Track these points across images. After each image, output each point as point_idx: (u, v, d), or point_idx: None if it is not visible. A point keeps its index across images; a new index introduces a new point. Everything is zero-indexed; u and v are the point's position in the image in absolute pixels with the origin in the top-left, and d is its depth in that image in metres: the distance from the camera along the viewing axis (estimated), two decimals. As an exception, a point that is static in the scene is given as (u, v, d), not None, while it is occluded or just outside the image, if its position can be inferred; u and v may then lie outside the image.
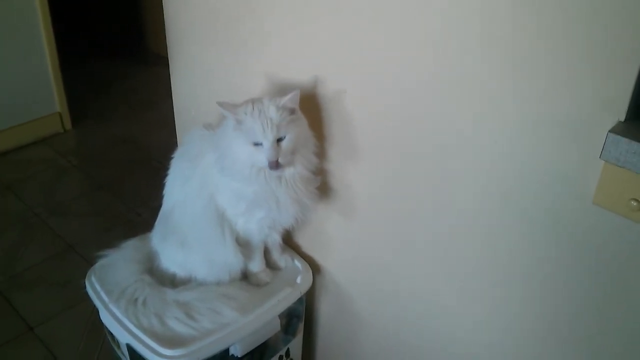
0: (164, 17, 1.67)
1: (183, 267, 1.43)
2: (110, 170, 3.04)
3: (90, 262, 1.51)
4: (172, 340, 1.29)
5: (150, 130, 3.39)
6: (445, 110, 1.10)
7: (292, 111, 1.22)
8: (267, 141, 1.17)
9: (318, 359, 1.75)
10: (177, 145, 1.45)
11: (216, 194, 1.33)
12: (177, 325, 1.31)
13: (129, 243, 1.54)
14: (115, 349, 1.52)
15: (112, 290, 1.42)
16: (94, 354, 2.01)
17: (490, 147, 1.05)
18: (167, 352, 1.27)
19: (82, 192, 2.91)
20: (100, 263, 1.51)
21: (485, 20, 0.97)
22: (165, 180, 1.44)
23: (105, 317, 1.41)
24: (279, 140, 1.19)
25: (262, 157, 1.19)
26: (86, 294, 1.47)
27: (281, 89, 1.38)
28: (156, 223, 1.49)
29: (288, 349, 1.58)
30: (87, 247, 2.44)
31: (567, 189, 0.98)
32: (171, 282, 1.45)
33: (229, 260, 1.38)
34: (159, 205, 1.47)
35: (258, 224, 1.36)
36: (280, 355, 1.56)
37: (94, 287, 1.46)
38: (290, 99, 1.20)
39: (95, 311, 1.55)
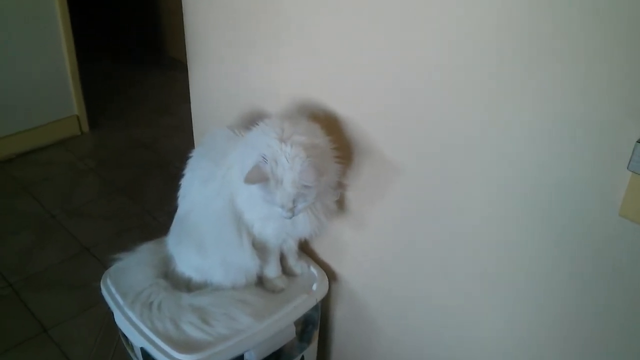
0: (184, 20, 1.68)
1: (199, 270, 1.42)
2: (127, 174, 3.05)
3: (105, 265, 1.51)
4: (186, 345, 1.28)
5: (167, 134, 3.40)
6: (465, 115, 1.08)
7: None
8: (284, 209, 1.20)
9: (332, 365, 1.74)
10: (193, 149, 1.45)
11: (235, 195, 1.32)
12: (192, 330, 1.30)
13: (144, 246, 1.54)
14: (129, 352, 1.52)
15: (127, 293, 1.42)
16: (107, 356, 2.01)
17: (513, 156, 1.03)
18: (182, 356, 1.26)
19: (99, 194, 2.92)
20: (115, 266, 1.51)
21: (503, 22, 0.96)
22: (182, 181, 1.43)
23: (120, 320, 1.41)
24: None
25: (277, 208, 1.21)
26: (101, 296, 1.47)
27: (299, 98, 1.37)
28: (172, 226, 1.49)
29: (303, 356, 1.56)
30: (103, 250, 2.44)
31: (592, 200, 0.96)
32: (186, 286, 1.44)
33: (246, 263, 1.37)
34: (176, 209, 1.47)
35: (274, 230, 1.35)
36: (294, 363, 1.55)
37: (109, 290, 1.46)
38: (303, 177, 1.16)
39: (110, 314, 1.55)
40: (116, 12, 4.35)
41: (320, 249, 1.57)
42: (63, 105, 3.24)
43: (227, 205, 1.32)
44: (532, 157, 1.01)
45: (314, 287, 1.48)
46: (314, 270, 1.52)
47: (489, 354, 1.26)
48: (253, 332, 1.33)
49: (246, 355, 1.36)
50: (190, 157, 1.43)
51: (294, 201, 1.18)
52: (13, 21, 2.91)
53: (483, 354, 1.27)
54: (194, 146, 1.85)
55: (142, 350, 1.37)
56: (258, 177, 1.17)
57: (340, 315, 1.62)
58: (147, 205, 2.79)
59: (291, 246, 1.46)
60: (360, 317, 1.55)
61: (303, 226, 1.32)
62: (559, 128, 0.95)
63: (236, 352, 1.32)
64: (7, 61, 2.96)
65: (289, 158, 1.16)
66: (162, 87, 3.99)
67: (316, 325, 1.56)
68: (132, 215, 2.73)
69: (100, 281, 1.48)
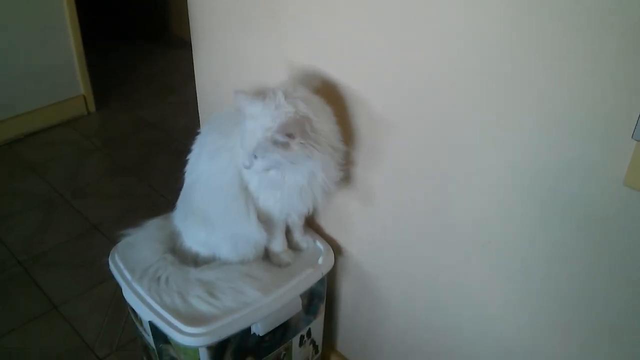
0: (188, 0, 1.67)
1: (206, 245, 1.43)
2: (134, 153, 3.06)
3: (113, 242, 1.52)
4: (194, 318, 1.30)
5: (173, 114, 3.40)
6: (470, 94, 1.08)
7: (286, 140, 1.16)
8: (243, 151, 1.20)
9: (339, 339, 1.75)
10: (199, 127, 1.45)
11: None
12: (200, 303, 1.32)
13: (151, 222, 1.55)
14: (138, 326, 1.54)
15: (134, 268, 1.43)
16: (117, 331, 2.03)
17: (521, 126, 1.03)
18: (189, 329, 1.28)
19: (106, 173, 2.93)
20: (123, 242, 1.52)
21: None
22: (189, 156, 1.43)
23: (128, 295, 1.42)
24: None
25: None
26: (109, 272, 1.49)
27: (305, 74, 1.37)
28: (178, 201, 1.50)
29: (309, 329, 1.58)
30: (111, 228, 2.46)
31: (597, 171, 0.96)
32: (194, 261, 1.45)
33: (253, 235, 1.38)
34: (182, 187, 1.47)
35: (275, 204, 1.35)
36: (301, 335, 1.56)
37: (117, 266, 1.47)
38: (278, 126, 1.15)
39: (118, 289, 1.57)
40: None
41: (326, 224, 1.58)
42: (69, 85, 3.25)
43: (235, 177, 1.32)
44: (539, 130, 1.01)
45: (320, 260, 1.49)
46: (319, 244, 1.53)
47: (496, 327, 1.27)
48: (259, 305, 1.34)
49: (253, 328, 1.37)
50: (199, 132, 1.43)
51: (255, 149, 1.17)
52: (19, 2, 2.90)
53: (491, 328, 1.28)
54: (199, 124, 1.86)
55: (151, 324, 1.39)
56: (244, 100, 1.19)
57: (346, 289, 1.63)
58: (154, 183, 2.80)
59: (295, 221, 1.46)
60: (367, 290, 1.56)
61: (299, 201, 1.32)
62: (563, 100, 0.95)
63: (243, 325, 1.33)
64: (13, 42, 2.96)
65: (276, 104, 1.16)
66: (167, 66, 3.98)
67: (322, 298, 1.57)
68: (139, 193, 2.75)
69: (108, 257, 1.50)
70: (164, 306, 1.33)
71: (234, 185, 1.33)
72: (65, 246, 2.41)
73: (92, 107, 3.37)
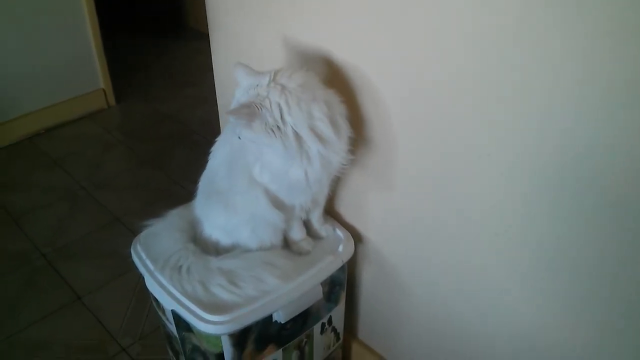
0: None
1: (226, 230, 1.43)
2: (154, 145, 3.08)
3: (135, 233, 1.53)
4: (215, 307, 1.30)
5: (192, 106, 3.42)
6: (491, 70, 1.07)
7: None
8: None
9: (360, 326, 1.76)
10: (217, 119, 1.45)
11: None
12: (221, 292, 1.33)
13: (173, 212, 1.56)
14: (161, 315, 1.55)
15: (157, 258, 1.44)
16: (140, 322, 2.06)
17: (543, 109, 1.02)
18: (211, 317, 1.29)
19: (127, 166, 2.96)
20: (145, 232, 1.53)
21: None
22: (217, 139, 1.45)
23: (151, 284, 1.44)
24: None
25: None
26: (132, 262, 1.50)
27: (317, 61, 1.37)
28: (199, 187, 1.50)
29: (330, 316, 1.58)
30: (133, 219, 2.48)
31: (619, 153, 0.95)
32: (215, 249, 1.46)
33: (273, 217, 1.37)
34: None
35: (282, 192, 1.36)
36: (322, 323, 1.57)
37: (140, 256, 1.48)
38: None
39: (141, 280, 1.58)
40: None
41: (346, 211, 1.58)
42: (89, 79, 3.28)
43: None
44: (562, 114, 1.00)
45: (340, 248, 1.49)
46: (339, 232, 1.53)
47: (520, 319, 1.26)
48: (280, 293, 1.35)
49: (275, 316, 1.38)
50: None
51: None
52: (38, -2, 2.93)
53: (514, 319, 1.28)
54: (218, 115, 1.87)
55: (173, 312, 1.40)
56: (241, 73, 1.22)
57: (367, 276, 1.63)
58: (174, 175, 2.82)
59: (309, 207, 1.45)
60: (388, 279, 1.56)
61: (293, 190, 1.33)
62: (586, 85, 0.94)
63: (264, 313, 1.34)
64: (33, 37, 2.99)
65: (258, 83, 1.18)
66: (184, 59, 4.00)
67: (343, 286, 1.58)
68: (160, 184, 2.77)
69: (130, 248, 1.51)
70: (186, 295, 1.34)
71: (245, 169, 1.34)
72: (89, 238, 2.44)
73: (112, 101, 3.40)
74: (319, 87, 1.23)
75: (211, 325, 1.29)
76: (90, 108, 3.32)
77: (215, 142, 1.45)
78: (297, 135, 1.18)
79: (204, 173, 1.48)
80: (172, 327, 1.50)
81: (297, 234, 1.46)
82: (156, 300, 1.52)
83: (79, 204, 2.64)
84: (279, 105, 1.16)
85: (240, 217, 1.39)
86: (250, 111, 1.15)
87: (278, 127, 1.16)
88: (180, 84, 3.68)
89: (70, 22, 3.09)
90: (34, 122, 3.13)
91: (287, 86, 1.17)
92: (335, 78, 1.34)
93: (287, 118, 1.16)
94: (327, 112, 1.20)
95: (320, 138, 1.20)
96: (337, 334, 1.67)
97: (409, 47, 1.18)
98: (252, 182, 1.34)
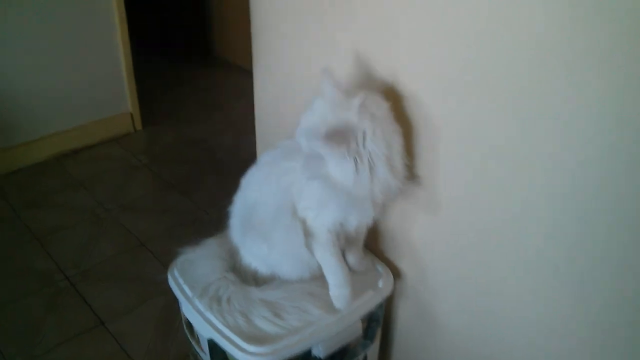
0: (251, 19, 1.67)
1: (265, 262, 1.42)
2: (179, 170, 3.08)
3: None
4: (257, 338, 1.29)
5: (217, 132, 3.43)
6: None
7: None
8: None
9: (393, 367, 1.73)
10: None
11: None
12: (264, 324, 1.31)
13: (210, 240, 1.55)
14: (194, 344, 1.53)
15: (195, 285, 1.43)
16: (165, 350, 2.03)
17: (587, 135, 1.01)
18: (254, 349, 1.27)
19: (152, 190, 2.96)
20: (182, 258, 1.52)
21: None
22: (250, 170, 1.44)
23: (189, 311, 1.42)
24: None
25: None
26: (161, 288, 1.48)
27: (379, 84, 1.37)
28: (234, 218, 1.49)
29: (366, 355, 1.55)
30: (157, 244, 2.48)
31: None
32: (254, 278, 1.45)
33: (308, 257, 1.36)
34: (227, 204, 1.47)
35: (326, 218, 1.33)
36: (358, 360, 1.54)
37: (177, 281, 1.47)
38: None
39: (166, 307, 1.57)
40: (166, 12, 4.41)
41: (385, 246, 1.56)
42: (118, 102, 3.30)
43: (291, 198, 1.33)
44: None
45: (380, 284, 1.47)
46: (379, 267, 1.51)
47: None
48: (324, 324, 1.33)
49: (314, 350, 1.36)
50: (266, 155, 1.44)
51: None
52: (71, 18, 2.96)
53: None
54: (247, 144, 1.85)
55: (210, 341, 1.38)
56: (329, 85, 1.20)
57: (403, 315, 1.61)
58: (199, 201, 2.81)
59: (352, 236, 1.43)
60: (425, 319, 1.54)
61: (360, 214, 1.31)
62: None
63: (306, 345, 1.32)
64: (65, 58, 3.02)
65: (350, 106, 1.17)
66: (211, 86, 4.03)
67: (380, 323, 1.55)
68: (185, 210, 2.76)
69: (167, 272, 1.50)
70: (227, 325, 1.32)
71: (290, 205, 1.33)
72: (112, 262, 2.43)
73: (139, 125, 3.42)
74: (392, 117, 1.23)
75: (252, 357, 1.27)
76: (117, 131, 3.34)
77: (249, 170, 1.44)
78: (372, 163, 1.18)
79: (238, 201, 1.47)
80: (206, 357, 1.48)
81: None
82: (190, 327, 1.50)
83: (103, 226, 2.64)
84: (364, 132, 1.16)
85: (279, 251, 1.38)
86: (343, 139, 1.15)
87: (358, 152, 1.16)
88: (208, 110, 3.69)
89: (103, 44, 3.12)
90: (62, 142, 3.14)
91: (376, 115, 1.18)
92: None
93: (369, 145, 1.17)
94: (403, 145, 1.22)
95: (392, 168, 1.20)
96: (370, 373, 1.64)
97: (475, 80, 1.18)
98: (295, 217, 1.33)
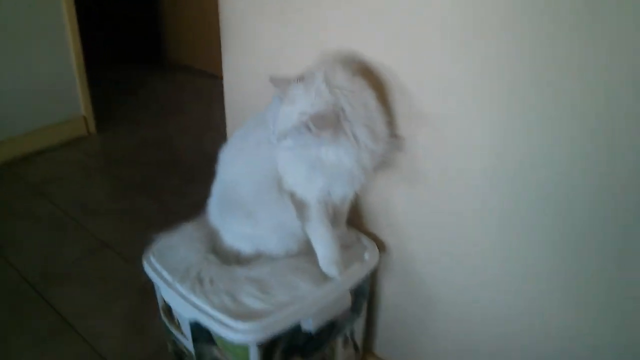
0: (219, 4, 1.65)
1: (250, 240, 1.39)
2: (139, 172, 3.00)
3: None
4: (245, 315, 1.25)
5: (175, 135, 3.37)
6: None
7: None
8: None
9: (377, 340, 1.70)
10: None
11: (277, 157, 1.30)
12: (252, 301, 1.28)
13: (187, 225, 1.51)
14: (173, 330, 1.48)
15: (175, 269, 1.39)
16: (138, 346, 1.96)
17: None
18: (242, 326, 1.23)
19: (114, 193, 2.87)
20: (158, 244, 1.48)
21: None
22: (222, 151, 1.41)
23: (169, 296, 1.37)
24: None
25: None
26: (144, 273, 1.43)
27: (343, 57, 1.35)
28: (212, 200, 1.46)
29: (353, 329, 1.53)
30: (123, 245, 2.40)
31: None
32: (236, 259, 1.41)
33: (294, 223, 1.34)
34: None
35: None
36: (345, 335, 1.52)
37: (154, 267, 1.42)
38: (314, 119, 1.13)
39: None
40: (118, 17, 4.33)
41: (368, 220, 1.55)
42: (70, 105, 3.20)
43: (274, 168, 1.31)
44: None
45: (366, 256, 1.45)
46: (364, 240, 1.49)
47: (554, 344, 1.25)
48: (313, 297, 1.30)
49: (304, 325, 1.33)
50: (241, 129, 1.40)
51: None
52: (22, 23, 2.88)
53: (550, 337, 1.26)
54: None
55: (193, 324, 1.33)
56: (281, 83, 1.18)
57: (387, 288, 1.59)
58: (163, 201, 2.74)
59: (338, 208, 1.41)
60: (410, 290, 1.53)
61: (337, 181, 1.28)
62: None
63: (296, 319, 1.29)
64: (16, 62, 2.92)
65: (316, 90, 1.14)
66: (165, 89, 3.96)
67: (366, 296, 1.54)
68: (149, 211, 2.68)
69: (144, 259, 1.45)
70: (212, 305, 1.28)
71: (272, 179, 1.31)
72: (78, 265, 2.33)
73: (93, 128, 3.33)
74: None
75: (241, 334, 1.23)
76: (71, 135, 3.24)
77: (222, 149, 1.41)
78: (354, 133, 1.16)
79: (215, 184, 1.44)
80: (187, 342, 1.44)
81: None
82: (169, 314, 1.45)
83: (66, 231, 2.53)
84: (341, 107, 1.15)
85: (266, 226, 1.35)
86: (329, 121, 1.13)
87: (342, 127, 1.15)
88: (163, 113, 3.63)
89: (54, 48, 3.04)
90: (13, 148, 3.03)
91: (344, 86, 1.16)
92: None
93: (349, 116, 1.15)
94: (380, 107, 1.21)
95: (374, 133, 1.19)
96: (356, 348, 1.62)
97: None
98: (282, 190, 1.30)
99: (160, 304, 1.48)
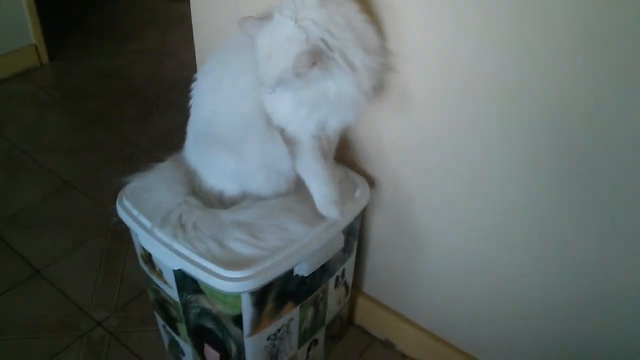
0: None
1: (235, 178, 1.28)
2: (98, 104, 2.82)
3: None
4: (235, 263, 1.16)
5: (134, 62, 3.16)
6: None
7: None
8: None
9: (367, 279, 1.65)
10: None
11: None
12: (241, 246, 1.18)
13: (163, 164, 1.39)
14: (155, 279, 1.38)
15: (153, 214, 1.27)
16: (112, 291, 1.87)
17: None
18: (231, 274, 1.14)
19: (71, 127, 2.69)
20: (132, 185, 1.36)
21: None
22: (193, 85, 1.28)
23: (149, 243, 1.27)
24: None
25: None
26: (118, 218, 1.32)
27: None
28: (189, 137, 1.34)
29: (344, 269, 1.47)
30: (86, 183, 2.26)
31: None
32: (219, 201, 1.31)
33: (285, 160, 1.23)
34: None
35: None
36: (336, 276, 1.45)
37: (129, 212, 1.31)
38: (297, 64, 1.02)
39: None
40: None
41: (357, 156, 1.45)
42: (19, 34, 2.96)
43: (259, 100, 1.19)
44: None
45: (357, 193, 1.36)
46: (354, 177, 1.40)
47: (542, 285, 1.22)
48: (307, 240, 1.22)
49: (296, 269, 1.25)
50: (211, 55, 1.26)
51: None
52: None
53: (537, 284, 1.24)
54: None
55: (178, 273, 1.24)
56: (252, 28, 1.06)
57: (377, 226, 1.52)
58: (124, 134, 2.57)
59: (331, 139, 1.30)
60: (398, 226, 1.46)
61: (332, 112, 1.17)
62: None
63: (291, 263, 1.21)
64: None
65: (287, 34, 1.03)
66: (119, 14, 3.71)
67: (356, 235, 1.46)
68: (111, 144, 2.52)
69: (117, 203, 1.33)
70: (198, 253, 1.18)
71: (260, 113, 1.19)
72: (39, 206, 2.20)
73: (45, 58, 3.09)
74: None
75: (231, 283, 1.15)
76: (22, 66, 3.00)
77: (195, 78, 1.28)
78: (346, 57, 1.04)
79: (190, 121, 1.31)
80: (172, 291, 1.34)
81: None
82: (149, 261, 1.35)
83: (21, 170, 2.37)
84: (322, 39, 1.03)
85: (252, 161, 1.24)
86: (314, 58, 1.01)
87: (330, 55, 1.03)
88: (118, 40, 3.40)
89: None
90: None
91: (316, 17, 1.03)
92: None
93: (334, 43, 1.03)
94: (367, 18, 1.09)
95: (366, 49, 1.07)
96: (347, 288, 1.56)
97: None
98: (270, 126, 1.19)
99: (139, 251, 1.37)
